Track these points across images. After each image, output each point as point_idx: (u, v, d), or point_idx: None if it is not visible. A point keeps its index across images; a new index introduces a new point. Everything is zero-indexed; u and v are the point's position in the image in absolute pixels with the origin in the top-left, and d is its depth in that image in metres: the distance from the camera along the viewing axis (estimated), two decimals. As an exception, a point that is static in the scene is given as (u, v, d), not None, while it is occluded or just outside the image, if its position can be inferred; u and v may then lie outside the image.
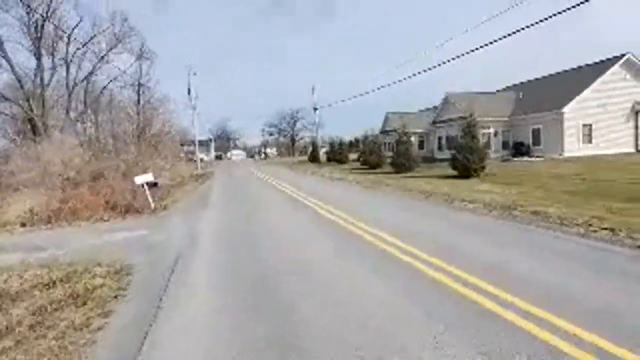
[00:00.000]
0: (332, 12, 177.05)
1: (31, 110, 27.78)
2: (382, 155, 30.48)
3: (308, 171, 31.45)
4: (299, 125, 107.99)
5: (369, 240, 6.86)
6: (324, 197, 13.59)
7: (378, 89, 52.97)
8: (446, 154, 32.70)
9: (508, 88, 35.14)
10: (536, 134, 27.35)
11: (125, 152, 23.27)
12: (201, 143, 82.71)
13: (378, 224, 7.98)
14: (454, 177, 19.39)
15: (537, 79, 32.43)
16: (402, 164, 24.06)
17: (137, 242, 8.06)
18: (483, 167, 18.91)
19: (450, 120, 31.41)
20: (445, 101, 32.61)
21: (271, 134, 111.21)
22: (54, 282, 5.28)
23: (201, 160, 62.32)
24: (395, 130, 45.43)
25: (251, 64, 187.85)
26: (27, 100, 27.62)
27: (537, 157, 25.92)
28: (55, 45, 30.00)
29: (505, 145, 29.02)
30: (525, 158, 26.26)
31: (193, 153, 45.46)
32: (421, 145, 44.56)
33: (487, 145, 28.70)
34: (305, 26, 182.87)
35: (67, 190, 13.13)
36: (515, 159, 26.53)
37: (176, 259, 6.55)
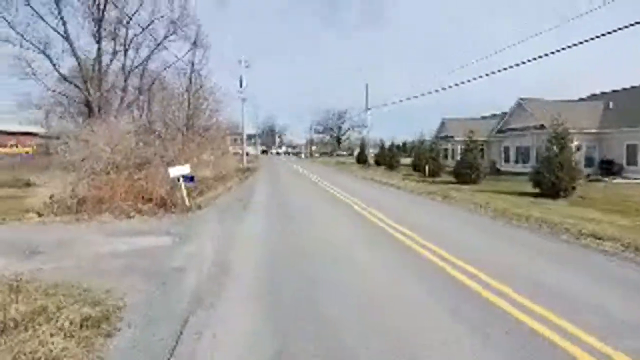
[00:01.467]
0: (381, 15, 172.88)
1: (88, 93, 28.17)
2: (442, 163, 27.64)
3: (357, 174, 29.35)
4: (345, 125, 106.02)
5: (491, 299, 4.47)
6: (385, 208, 11.48)
7: (435, 91, 49.23)
8: (513, 166, 29.25)
9: (594, 97, 30.72)
10: (631, 151, 23.25)
11: (173, 141, 22.57)
12: (249, 137, 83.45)
13: (489, 266, 5.69)
14: (533, 195, 16.42)
15: (632, 88, 27.87)
16: (467, 174, 21.27)
17: (151, 259, 6.17)
18: (574, 187, 15.78)
19: (524, 129, 27.85)
20: (518, 108, 29.01)
21: (317, 132, 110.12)
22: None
23: (247, 154, 62.31)
24: (452, 137, 42.31)
25: (299, 62, 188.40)
26: (85, 82, 28.01)
27: (635, 179, 21.89)
28: (116, 30, 30.40)
29: (589, 162, 25.07)
30: (618, 179, 22.32)
31: (241, 145, 44.92)
32: (480, 155, 40.82)
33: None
34: (355, 28, 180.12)
35: (104, 175, 12.03)
36: (606, 179, 22.64)
37: (195, 298, 4.56)
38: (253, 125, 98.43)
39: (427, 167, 26.97)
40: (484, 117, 45.62)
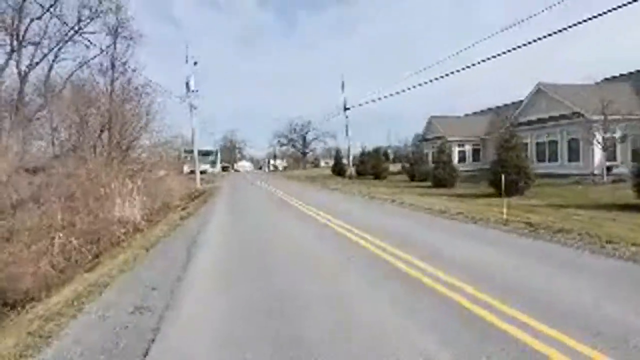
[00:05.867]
0: (345, 25, 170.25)
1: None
2: (455, 170, 21.62)
3: (345, 189, 22.67)
4: (310, 136, 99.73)
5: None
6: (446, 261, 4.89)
7: (406, 89, 43.41)
8: (537, 165, 23.76)
9: (625, 77, 25.77)
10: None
11: (83, 162, 14.78)
12: (205, 153, 74.51)
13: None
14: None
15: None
16: (512, 182, 15.23)
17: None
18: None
19: (551, 119, 22.53)
20: (538, 94, 23.77)
21: (281, 145, 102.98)
22: None
23: (203, 172, 53.72)
24: (442, 137, 36.82)
25: (259, 73, 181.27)
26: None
27: None
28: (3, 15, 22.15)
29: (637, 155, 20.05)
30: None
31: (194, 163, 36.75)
32: (476, 156, 35.72)
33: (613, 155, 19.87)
34: (318, 38, 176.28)
35: None
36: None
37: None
38: (210, 141, 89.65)
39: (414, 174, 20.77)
40: (473, 114, 40.92)
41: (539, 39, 12.72)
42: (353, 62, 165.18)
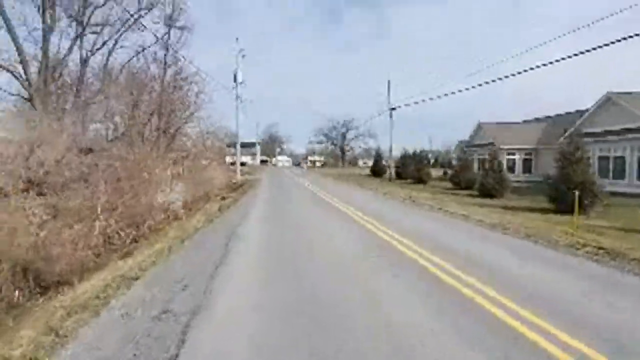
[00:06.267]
0: (389, 27, 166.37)
1: (29, 83, 20.94)
2: (506, 180, 20.12)
3: (386, 191, 21.85)
4: (350, 134, 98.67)
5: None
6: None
7: (462, 91, 41.08)
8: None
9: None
10: None
11: (132, 147, 15.19)
12: (246, 145, 75.93)
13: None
14: None
15: None
16: (579, 199, 13.76)
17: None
18: None
19: (620, 131, 20.38)
20: (606, 103, 21.61)
21: (320, 142, 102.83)
22: None
23: (244, 164, 54.71)
24: (492, 144, 34.69)
25: (302, 72, 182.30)
26: (24, 68, 20.79)
27: None
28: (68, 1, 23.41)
29: None
30: None
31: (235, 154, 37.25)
32: (527, 167, 33.38)
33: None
34: (360, 39, 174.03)
35: None
36: None
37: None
38: (252, 133, 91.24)
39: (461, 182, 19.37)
40: (526, 121, 38.33)
41: (603, 45, 11.27)
42: (396, 63, 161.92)
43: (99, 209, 8.15)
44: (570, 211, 14.29)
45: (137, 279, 4.91)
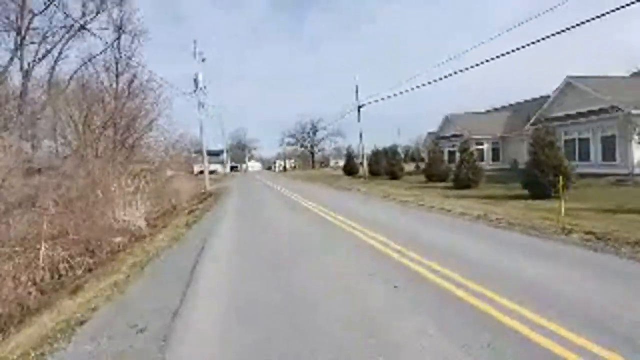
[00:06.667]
0: (352, 26, 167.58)
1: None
2: (480, 170, 20.20)
3: (363, 190, 21.39)
4: (319, 135, 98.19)
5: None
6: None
7: (415, 88, 41.54)
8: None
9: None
10: None
11: (85, 163, 13.81)
12: (214, 153, 73.71)
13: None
14: None
15: None
16: (551, 183, 13.84)
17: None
18: None
19: (582, 114, 20.94)
20: (567, 88, 22.19)
21: (289, 144, 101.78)
22: None
23: (213, 172, 52.88)
24: (461, 135, 35.04)
25: (267, 72, 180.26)
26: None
27: None
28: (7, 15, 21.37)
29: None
30: None
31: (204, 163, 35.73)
32: (495, 155, 34.12)
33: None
34: (323, 40, 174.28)
35: None
36: None
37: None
38: (218, 141, 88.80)
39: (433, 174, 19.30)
40: (490, 111, 39.29)
41: (555, 34, 11.28)
42: (360, 62, 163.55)
43: (43, 236, 7.04)
44: (544, 196, 14.41)
45: (83, 323, 3.98)
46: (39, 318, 4.22)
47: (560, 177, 10.93)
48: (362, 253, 6.95)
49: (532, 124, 25.33)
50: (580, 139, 21.62)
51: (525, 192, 15.01)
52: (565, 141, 22.49)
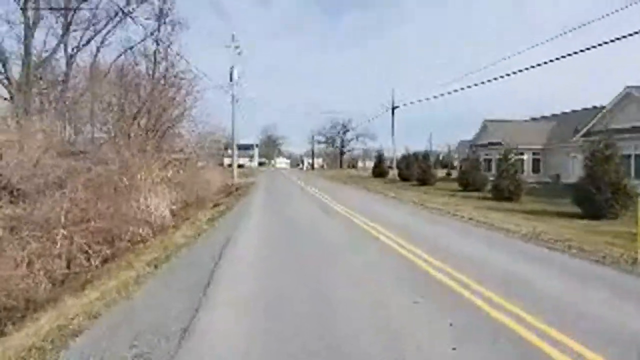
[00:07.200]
0: (379, 29, 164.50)
1: (8, 81, 19.53)
2: (522, 182, 18.82)
3: (393, 194, 20.46)
4: (349, 135, 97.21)
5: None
6: None
7: (451, 92, 39.74)
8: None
9: None
10: None
11: (118, 149, 13.78)
12: (244, 147, 74.44)
13: None
14: None
15: None
16: (608, 202, 12.47)
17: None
18: None
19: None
20: (626, 99, 20.33)
21: (319, 142, 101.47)
22: None
23: (241, 166, 53.20)
24: (499, 144, 33.14)
25: (300, 73, 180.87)
26: (4, 65, 19.38)
27: None
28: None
29: None
30: None
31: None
32: (535, 167, 32.10)
33: None
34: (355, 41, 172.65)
35: None
36: None
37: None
38: (251, 134, 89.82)
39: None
40: (533, 119, 37.13)
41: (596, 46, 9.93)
42: (393, 62, 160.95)
43: (63, 222, 6.76)
44: (599, 216, 13.02)
45: (78, 335, 3.46)
46: (35, 323, 3.74)
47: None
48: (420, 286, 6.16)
49: (583, 136, 23.46)
50: (637, 155, 19.73)
51: (572, 209, 13.69)
52: (623, 156, 20.58)
